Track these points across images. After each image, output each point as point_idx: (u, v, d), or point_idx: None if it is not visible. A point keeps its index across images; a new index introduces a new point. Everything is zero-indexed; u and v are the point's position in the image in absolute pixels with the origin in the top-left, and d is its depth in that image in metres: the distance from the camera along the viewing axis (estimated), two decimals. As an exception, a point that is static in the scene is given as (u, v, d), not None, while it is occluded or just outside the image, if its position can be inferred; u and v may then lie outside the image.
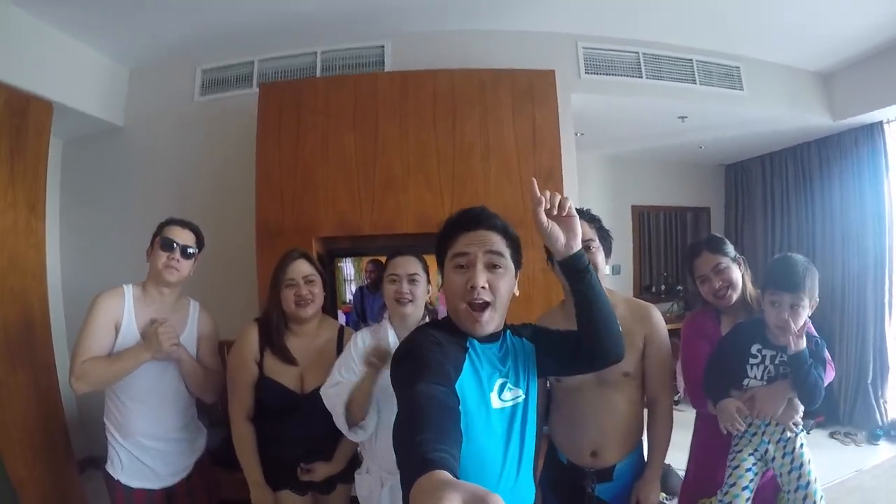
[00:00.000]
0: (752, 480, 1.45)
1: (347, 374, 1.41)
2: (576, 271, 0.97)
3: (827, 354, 1.42)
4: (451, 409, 0.76)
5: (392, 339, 1.45)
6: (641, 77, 2.97)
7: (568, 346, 1.05)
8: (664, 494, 2.62)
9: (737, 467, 1.47)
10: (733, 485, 1.45)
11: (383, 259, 2.25)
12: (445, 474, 0.54)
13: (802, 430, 1.45)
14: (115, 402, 1.56)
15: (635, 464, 1.44)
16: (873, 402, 3.57)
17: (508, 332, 1.08)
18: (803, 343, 1.35)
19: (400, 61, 2.79)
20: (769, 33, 2.96)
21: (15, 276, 2.25)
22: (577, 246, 0.95)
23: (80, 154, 3.19)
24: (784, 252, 1.57)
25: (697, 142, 4.09)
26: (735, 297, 1.53)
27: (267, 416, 1.57)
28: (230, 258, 2.78)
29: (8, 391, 2.10)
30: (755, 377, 1.43)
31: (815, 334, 1.46)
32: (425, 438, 0.64)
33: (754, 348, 1.43)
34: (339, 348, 1.59)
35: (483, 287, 0.94)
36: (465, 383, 0.94)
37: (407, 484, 0.56)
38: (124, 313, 1.55)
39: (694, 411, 1.67)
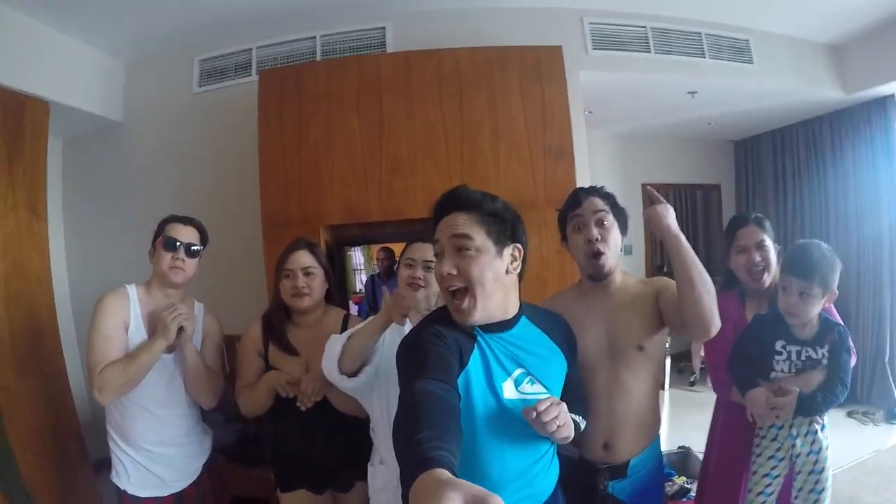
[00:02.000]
0: (769, 485, 1.43)
1: None
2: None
3: (850, 343, 1.40)
4: (450, 407, 0.76)
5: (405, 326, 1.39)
6: (650, 52, 2.90)
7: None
8: (685, 478, 2.58)
9: (755, 472, 1.45)
10: (750, 490, 1.45)
11: (395, 247, 2.21)
12: (445, 473, 0.53)
13: (826, 427, 1.42)
14: (117, 407, 1.50)
15: (652, 459, 1.36)
16: (891, 380, 3.56)
17: (532, 324, 1.04)
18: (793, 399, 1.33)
19: (402, 43, 2.72)
20: (779, 4, 2.89)
21: (19, 281, 2.21)
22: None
23: (80, 152, 3.15)
24: (800, 233, 1.58)
25: (707, 117, 4.05)
26: (768, 281, 1.51)
27: (275, 411, 1.54)
28: (238, 252, 2.74)
29: (18, 398, 2.07)
30: (782, 371, 1.41)
31: (840, 322, 1.43)
32: (425, 436, 0.63)
33: (778, 345, 1.41)
34: None
35: (450, 273, 0.92)
36: (472, 374, 0.93)
37: (406, 482, 0.56)
38: (131, 316, 1.50)
39: (713, 394, 1.64)
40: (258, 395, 1.51)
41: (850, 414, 3.48)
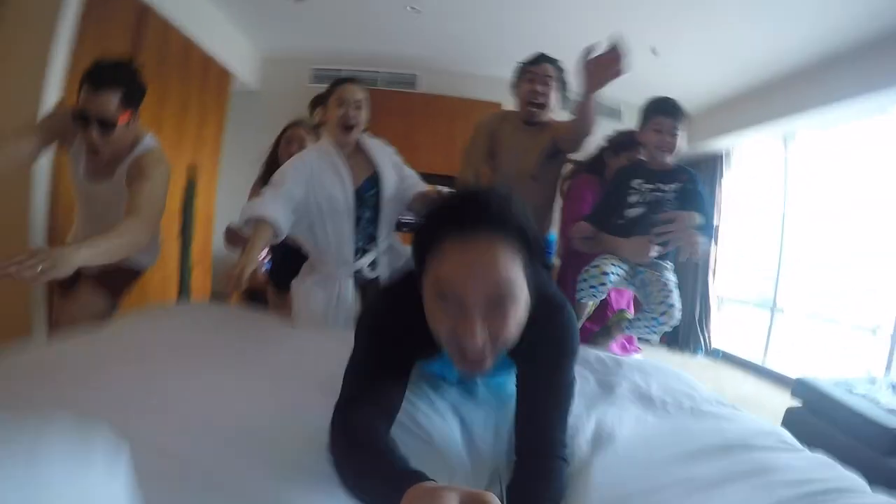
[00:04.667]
0: (614, 270, 1.55)
1: (287, 179, 1.46)
2: None
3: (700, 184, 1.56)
4: (384, 438, 0.66)
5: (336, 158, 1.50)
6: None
7: None
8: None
9: (604, 258, 1.57)
10: (597, 265, 1.55)
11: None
12: (434, 482, 0.49)
13: (670, 269, 1.58)
14: None
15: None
16: (699, 333, 4.94)
17: None
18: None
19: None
20: (643, 84, 3.11)
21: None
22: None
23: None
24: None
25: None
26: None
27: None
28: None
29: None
30: (637, 201, 1.58)
31: (690, 170, 1.58)
32: (389, 459, 0.59)
33: (635, 182, 1.58)
34: None
35: (484, 343, 0.64)
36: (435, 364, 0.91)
37: (383, 499, 0.51)
38: None
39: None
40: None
41: (671, 351, 4.73)
